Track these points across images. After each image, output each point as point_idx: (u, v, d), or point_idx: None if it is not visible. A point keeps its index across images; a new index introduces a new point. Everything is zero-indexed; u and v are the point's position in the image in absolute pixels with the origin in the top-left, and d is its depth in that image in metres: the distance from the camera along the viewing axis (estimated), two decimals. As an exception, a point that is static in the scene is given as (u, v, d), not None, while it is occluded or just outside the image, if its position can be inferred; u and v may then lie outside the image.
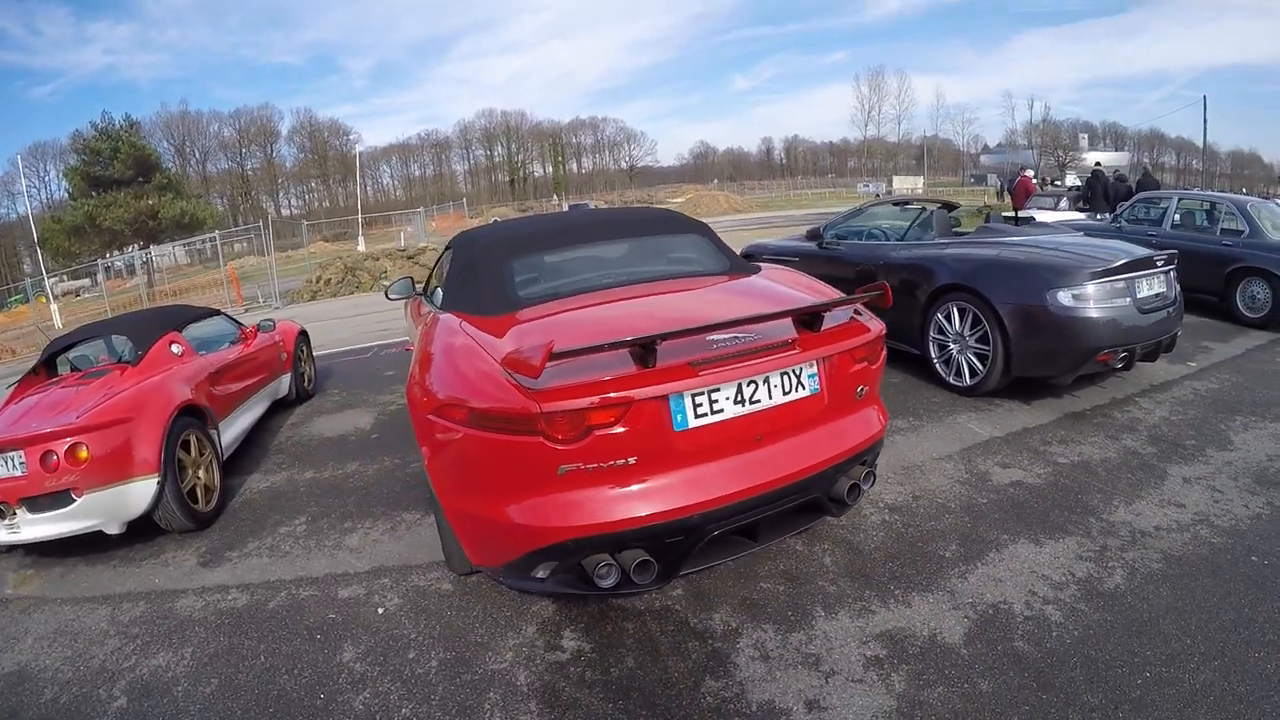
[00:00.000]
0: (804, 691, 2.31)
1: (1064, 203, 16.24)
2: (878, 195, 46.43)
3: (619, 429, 2.23)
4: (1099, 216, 11.51)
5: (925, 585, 2.82)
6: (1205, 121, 42.35)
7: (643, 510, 2.28)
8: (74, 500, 3.54)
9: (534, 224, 4.18)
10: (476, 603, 3.00)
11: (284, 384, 6.31)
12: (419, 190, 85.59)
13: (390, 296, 5.15)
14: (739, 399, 2.38)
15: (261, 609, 3.16)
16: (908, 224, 6.15)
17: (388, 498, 4.18)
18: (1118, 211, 9.24)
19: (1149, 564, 2.88)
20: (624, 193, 74.44)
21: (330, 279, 19.95)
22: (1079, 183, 21.85)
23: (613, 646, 2.63)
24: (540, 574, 2.42)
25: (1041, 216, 12.89)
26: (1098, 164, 16.81)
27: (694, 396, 2.32)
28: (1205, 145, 43.14)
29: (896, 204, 7.40)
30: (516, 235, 3.62)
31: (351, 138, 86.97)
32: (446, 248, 4.21)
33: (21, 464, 3.50)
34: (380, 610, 3.03)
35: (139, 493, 3.68)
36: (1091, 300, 4.47)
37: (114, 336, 5.04)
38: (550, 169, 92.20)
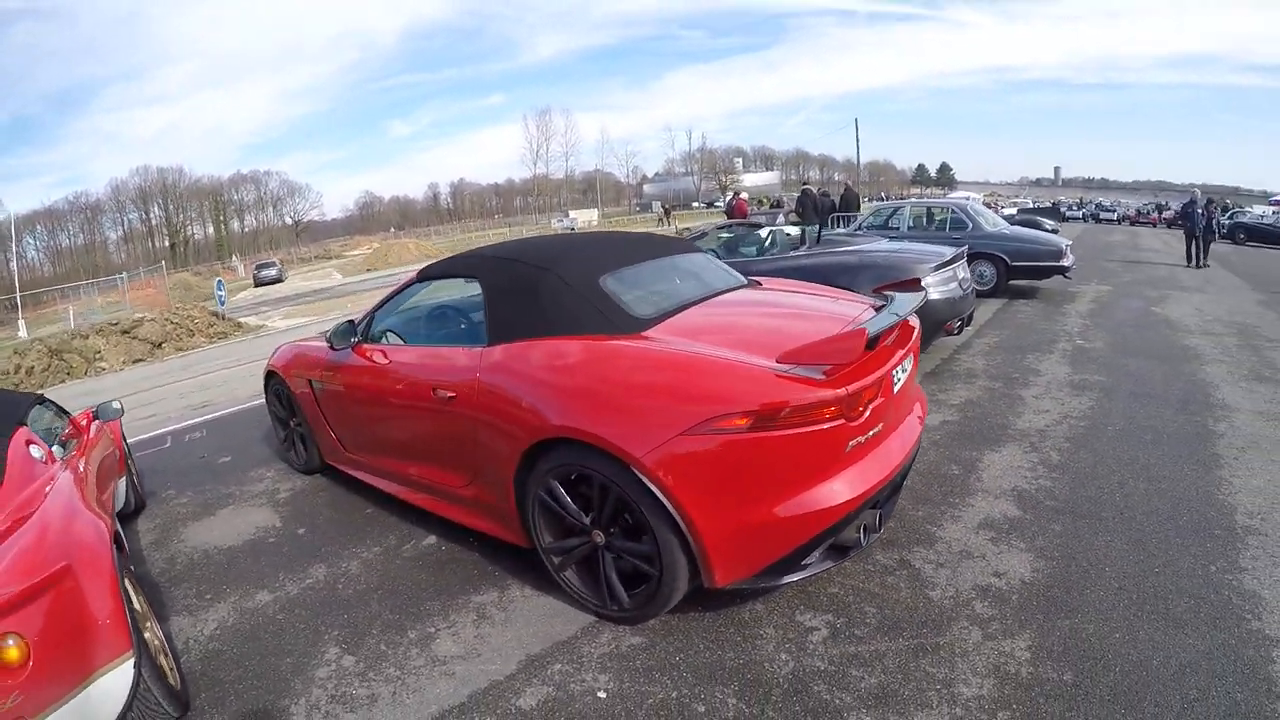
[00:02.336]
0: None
1: (780, 218, 19.17)
2: (571, 229, 49.72)
3: (878, 400, 2.54)
4: (810, 227, 14.26)
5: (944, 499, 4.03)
6: (858, 140, 51.21)
7: (884, 469, 2.61)
8: None
9: (580, 242, 3.98)
10: (689, 630, 2.70)
11: (121, 491, 4.47)
12: (69, 263, 73.54)
13: (336, 346, 3.91)
14: (902, 372, 2.84)
15: None
16: (756, 246, 7.74)
17: (431, 587, 3.23)
18: (858, 222, 11.84)
19: (1063, 446, 4.38)
20: (291, 250, 70.64)
21: (33, 367, 16.97)
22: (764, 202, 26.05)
23: (853, 612, 2.76)
24: (810, 560, 2.51)
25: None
26: (805, 183, 20.31)
27: (897, 371, 2.75)
28: (859, 160, 52.88)
29: (720, 229, 8.98)
30: (581, 255, 3.36)
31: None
32: (424, 278, 3.82)
33: None
34: (601, 694, 2.41)
35: (109, 691, 2.08)
36: (935, 286, 6.15)
37: None
38: (212, 229, 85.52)
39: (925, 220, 10.83)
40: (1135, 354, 6.68)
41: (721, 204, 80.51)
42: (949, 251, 6.45)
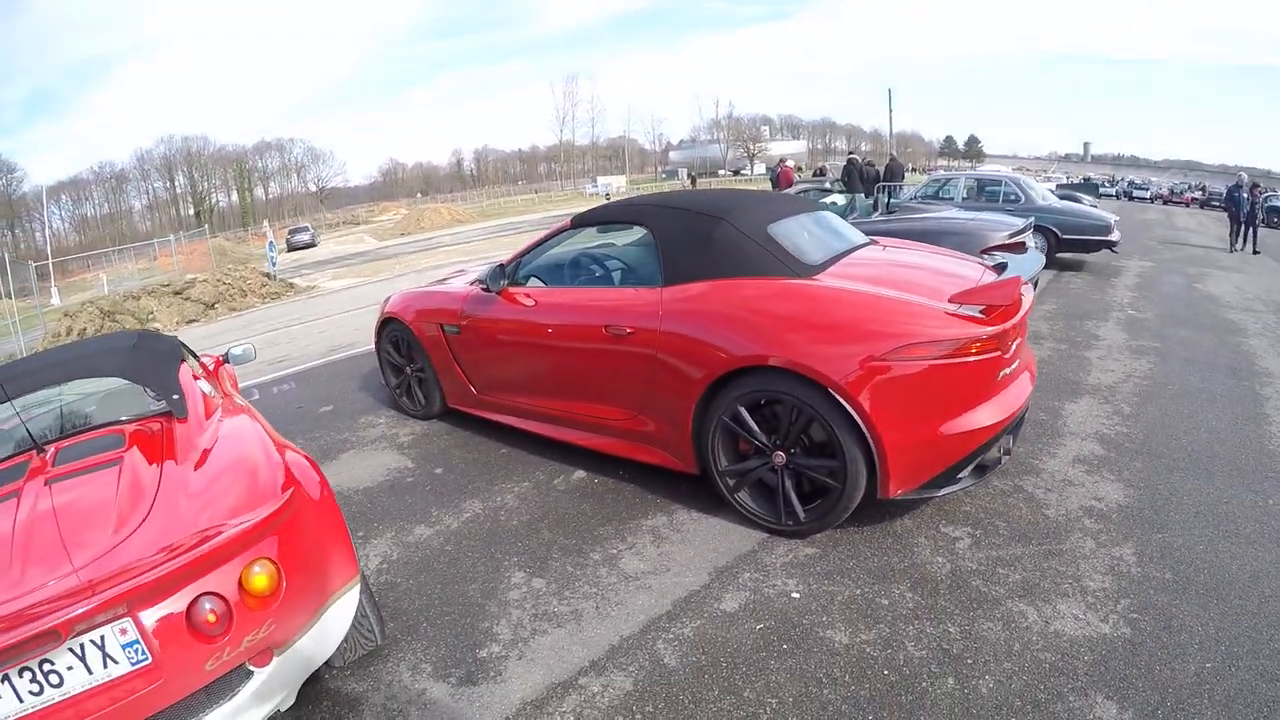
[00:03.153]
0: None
1: (827, 185, 18.92)
2: (607, 195, 49.72)
3: (1017, 338, 2.95)
4: (856, 196, 14.40)
5: (1039, 440, 4.41)
6: (890, 110, 50.89)
7: (1019, 399, 2.99)
8: (251, 677, 1.83)
9: (736, 197, 3.98)
10: (853, 541, 3.02)
11: None
12: (94, 232, 74.36)
13: (491, 289, 4.15)
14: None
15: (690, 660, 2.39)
16: (840, 212, 8.06)
17: (597, 515, 3.43)
18: (914, 192, 12.05)
19: (1132, 400, 4.74)
20: (315, 216, 71.05)
21: (85, 329, 17.54)
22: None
23: (987, 525, 3.15)
24: (963, 474, 2.88)
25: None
26: (851, 152, 19.87)
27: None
28: (891, 131, 52.01)
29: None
30: (746, 207, 3.56)
31: (17, 175, 72.86)
32: (580, 224, 4.03)
33: (134, 645, 1.65)
34: (795, 595, 2.72)
35: (339, 617, 2.05)
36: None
37: (73, 387, 2.98)
38: (237, 196, 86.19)
39: (977, 191, 11.08)
40: (1183, 324, 7.04)
41: (748, 172, 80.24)
42: (1020, 221, 6.75)
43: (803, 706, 2.16)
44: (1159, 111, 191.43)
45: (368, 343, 6.94)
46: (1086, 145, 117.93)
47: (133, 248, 33.27)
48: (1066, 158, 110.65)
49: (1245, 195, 14.53)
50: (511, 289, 4.10)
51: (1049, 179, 46.80)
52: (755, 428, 3.04)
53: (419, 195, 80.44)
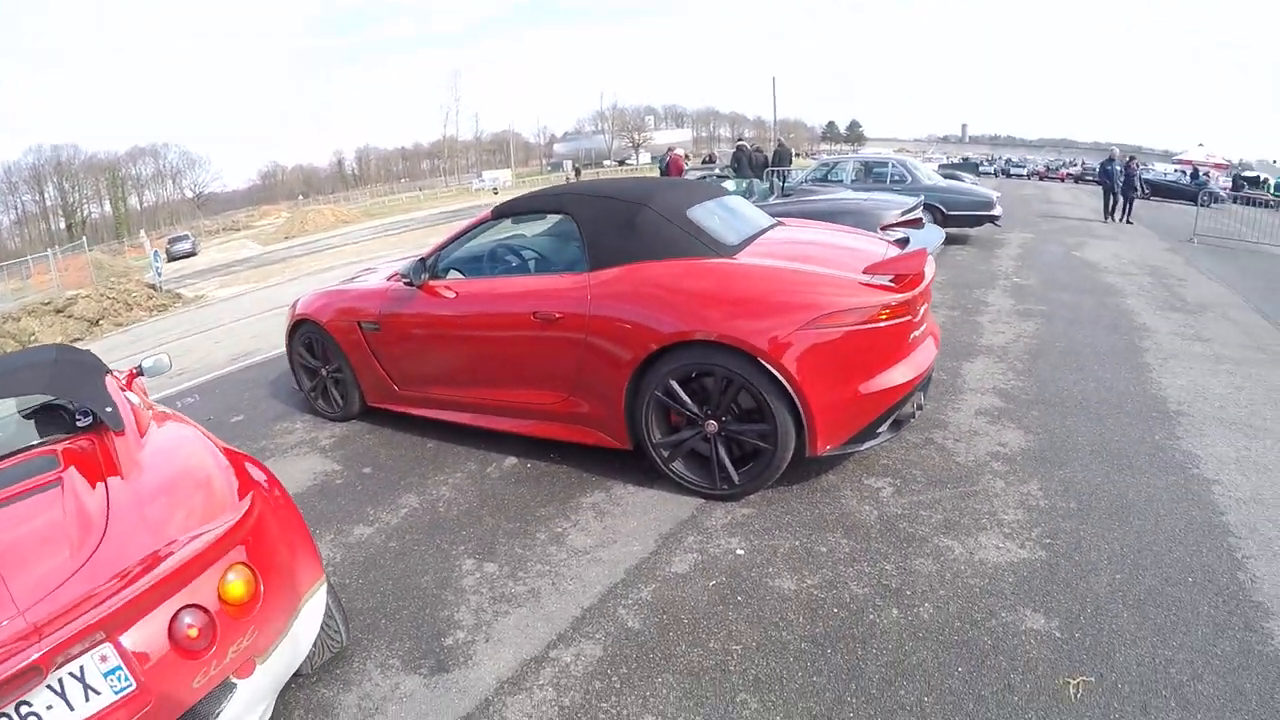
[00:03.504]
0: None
1: (717, 172, 19.13)
2: (495, 190, 49.16)
3: (924, 304, 3.29)
4: (746, 181, 14.78)
5: (943, 396, 4.75)
6: (774, 98, 52.19)
7: (927, 359, 3.29)
8: (235, 690, 1.74)
9: (653, 183, 4.22)
10: (784, 499, 3.22)
11: None
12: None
13: (414, 283, 4.10)
14: None
15: (647, 637, 2.40)
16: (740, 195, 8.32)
17: (536, 498, 3.47)
18: (803, 176, 12.51)
19: (1023, 357, 5.14)
20: (193, 223, 67.56)
21: (-38, 350, 16.22)
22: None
23: (905, 475, 3.44)
24: (882, 428, 3.14)
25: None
26: (740, 139, 20.09)
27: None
28: (775, 118, 53.49)
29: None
30: (663, 193, 3.69)
31: None
32: (500, 215, 4.06)
33: (116, 672, 1.54)
34: (740, 551, 2.88)
35: (309, 619, 2.00)
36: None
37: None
38: (110, 206, 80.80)
39: (865, 173, 11.65)
40: (1065, 289, 7.69)
41: (634, 162, 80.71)
42: (911, 199, 7.16)
43: (766, 649, 2.31)
44: (1033, 92, 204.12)
45: (270, 349, 6.71)
46: (964, 126, 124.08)
47: (5, 266, 30.67)
48: (945, 139, 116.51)
49: (1119, 169, 15.63)
50: (433, 282, 4.08)
51: (929, 159, 49.20)
52: (688, 400, 3.17)
53: (300, 197, 77.30)
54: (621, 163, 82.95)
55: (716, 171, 18.57)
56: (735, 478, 3.20)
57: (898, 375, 3.06)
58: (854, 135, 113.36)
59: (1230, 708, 1.96)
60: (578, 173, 56.39)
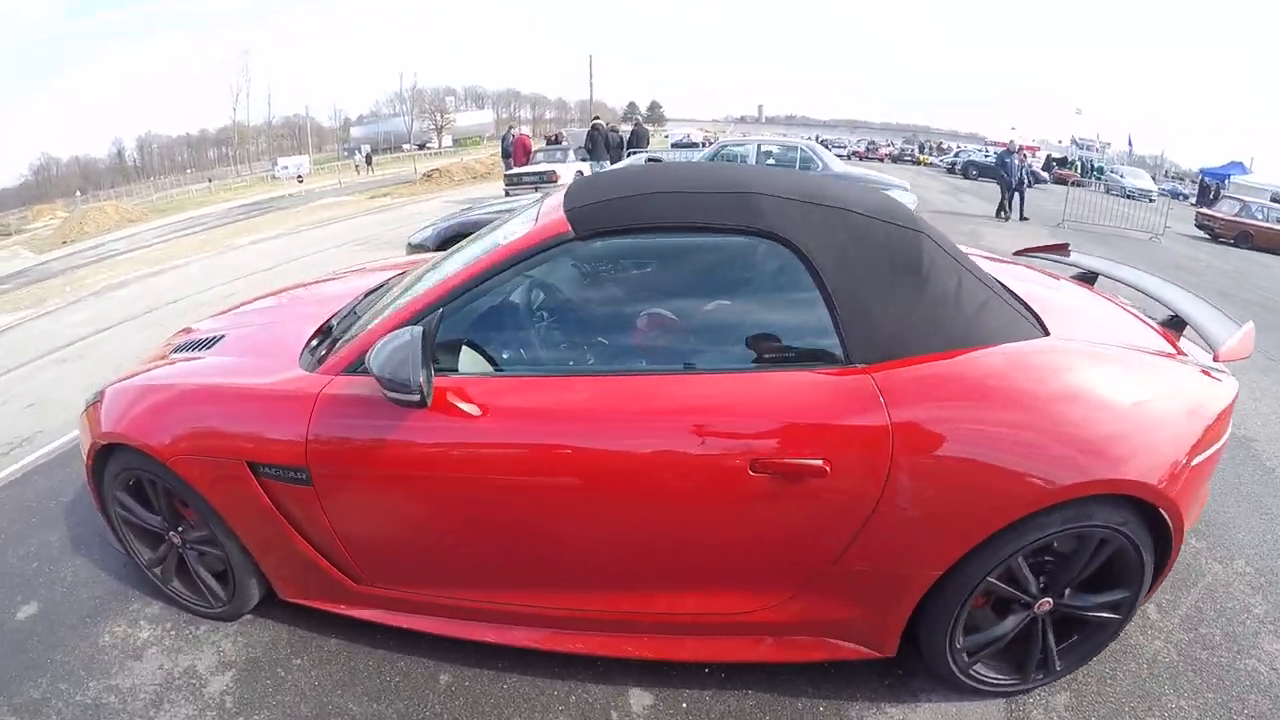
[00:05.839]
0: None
1: (571, 155, 17.48)
2: (299, 178, 44.32)
3: None
4: (602, 164, 13.53)
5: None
6: (591, 78, 51.01)
7: None
8: None
9: (841, 190, 2.84)
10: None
11: None
12: None
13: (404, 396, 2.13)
14: None
15: None
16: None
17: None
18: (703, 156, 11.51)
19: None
20: None
21: None
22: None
23: None
24: None
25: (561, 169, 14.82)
26: (596, 118, 18.67)
27: None
28: (591, 98, 52.73)
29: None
30: (896, 208, 2.52)
31: None
32: (587, 235, 2.28)
33: None
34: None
35: None
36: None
37: None
38: None
39: (770, 160, 10.87)
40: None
41: (435, 145, 76.69)
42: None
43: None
44: (823, 73, 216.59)
45: (61, 431, 4.45)
46: (760, 107, 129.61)
47: None
48: (743, 119, 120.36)
49: (1017, 162, 14.53)
50: (453, 381, 2.13)
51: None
52: (1030, 578, 2.06)
53: (79, 194, 66.91)
54: (422, 146, 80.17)
55: (571, 153, 17.35)
56: (1057, 664, 2.21)
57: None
58: (654, 115, 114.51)
59: None
60: (368, 160, 51.49)
